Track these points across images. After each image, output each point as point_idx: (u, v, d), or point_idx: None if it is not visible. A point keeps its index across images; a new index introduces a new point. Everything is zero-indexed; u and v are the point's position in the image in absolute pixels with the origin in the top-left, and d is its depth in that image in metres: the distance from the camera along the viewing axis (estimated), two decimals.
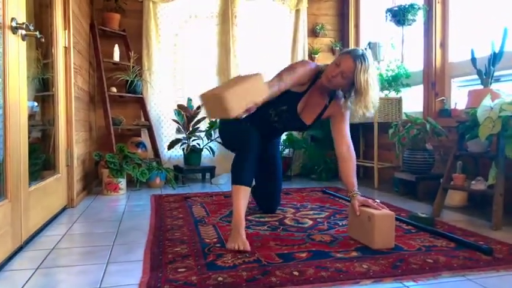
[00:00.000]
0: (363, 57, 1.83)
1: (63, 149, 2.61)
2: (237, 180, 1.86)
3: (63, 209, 2.59)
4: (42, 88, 2.59)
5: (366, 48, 3.89)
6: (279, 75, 1.91)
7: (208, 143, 3.84)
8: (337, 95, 2.08)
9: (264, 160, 2.31)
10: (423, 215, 2.17)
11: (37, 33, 1.86)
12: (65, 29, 2.64)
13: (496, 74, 2.46)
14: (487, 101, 2.08)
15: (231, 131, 2.14)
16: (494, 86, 2.44)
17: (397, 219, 2.16)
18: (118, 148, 3.32)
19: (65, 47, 2.66)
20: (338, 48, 4.37)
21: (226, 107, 1.51)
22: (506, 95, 2.17)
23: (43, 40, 1.99)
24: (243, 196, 1.83)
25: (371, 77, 1.82)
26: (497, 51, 2.35)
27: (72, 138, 2.71)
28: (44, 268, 1.56)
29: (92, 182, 3.50)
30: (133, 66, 3.71)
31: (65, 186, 2.64)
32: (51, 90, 2.59)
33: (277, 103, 2.01)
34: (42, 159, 2.53)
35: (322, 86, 2.00)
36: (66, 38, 2.65)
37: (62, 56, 2.62)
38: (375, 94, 1.85)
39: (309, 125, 2.15)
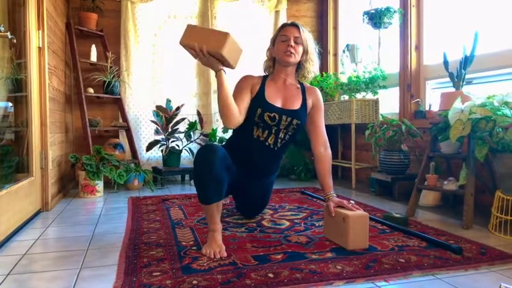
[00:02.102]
0: (295, 22, 2.05)
1: (37, 151, 2.56)
2: (205, 200, 1.73)
3: (37, 213, 2.54)
4: (16, 89, 2.53)
5: (344, 51, 3.96)
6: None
7: (187, 144, 3.83)
8: (304, 83, 2.13)
9: (251, 199, 2.26)
10: (397, 215, 2.22)
11: (8, 33, 1.82)
12: (38, 29, 2.59)
13: (468, 76, 2.53)
14: (457, 104, 2.13)
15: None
16: (466, 89, 2.51)
17: (371, 219, 2.20)
18: (95, 150, 3.27)
19: (39, 47, 2.60)
20: (317, 50, 4.40)
21: (223, 43, 1.72)
22: (477, 97, 2.24)
23: (15, 41, 1.95)
24: (216, 209, 1.77)
25: (308, 34, 2.05)
26: (468, 54, 2.42)
27: (46, 140, 2.66)
28: (15, 274, 1.53)
29: (68, 185, 3.44)
30: (111, 67, 3.67)
31: (39, 189, 2.58)
32: (25, 91, 2.53)
33: (252, 117, 1.98)
34: (15, 161, 2.47)
35: (282, 74, 2.06)
36: (40, 38, 2.60)
37: (36, 56, 2.57)
38: (314, 50, 2.08)
39: (300, 112, 2.02)
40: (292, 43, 1.97)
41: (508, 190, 2.01)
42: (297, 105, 2.03)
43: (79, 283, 1.43)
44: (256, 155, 2.04)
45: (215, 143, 1.88)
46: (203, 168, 1.72)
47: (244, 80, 2.06)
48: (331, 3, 4.40)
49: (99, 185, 3.19)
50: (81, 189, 3.14)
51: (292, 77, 2.09)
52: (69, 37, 3.56)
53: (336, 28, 4.40)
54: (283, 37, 2.00)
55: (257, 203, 2.31)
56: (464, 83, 2.48)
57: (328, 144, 2.05)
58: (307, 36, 2.02)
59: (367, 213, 1.81)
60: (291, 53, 1.97)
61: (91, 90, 3.63)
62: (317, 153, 2.03)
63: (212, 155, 1.72)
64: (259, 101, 2.00)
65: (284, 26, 2.05)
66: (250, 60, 4.17)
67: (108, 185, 3.37)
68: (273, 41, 2.07)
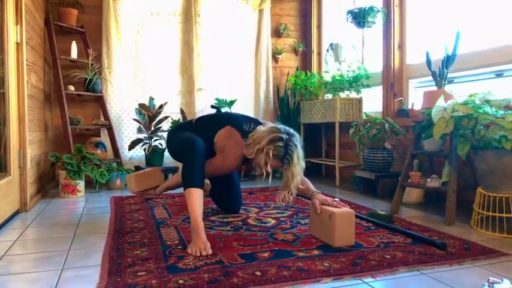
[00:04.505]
0: (289, 157, 1.81)
1: (15, 150, 2.48)
2: (187, 184, 1.84)
3: (16, 213, 2.46)
4: None
5: (327, 50, 3.97)
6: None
7: None
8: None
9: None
10: (382, 212, 2.23)
11: None
12: (16, 24, 2.51)
13: (449, 75, 2.57)
14: (440, 102, 2.16)
15: (176, 141, 2.14)
16: (447, 87, 2.55)
17: (357, 216, 2.21)
18: (76, 148, 3.20)
19: (17, 43, 2.52)
20: (301, 49, 4.43)
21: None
22: (459, 96, 2.27)
23: None
24: (197, 197, 1.80)
25: (296, 168, 1.83)
26: (450, 53, 2.46)
27: (25, 139, 2.58)
28: None
29: (48, 185, 3.35)
30: (92, 64, 3.60)
31: (17, 189, 2.50)
32: (2, 88, 2.45)
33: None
34: None
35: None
36: (18, 33, 2.52)
37: (14, 52, 2.49)
38: (298, 178, 1.86)
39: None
40: (267, 167, 1.86)
41: (489, 187, 2.05)
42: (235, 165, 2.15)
43: (61, 284, 1.39)
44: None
45: (195, 137, 2.00)
46: (195, 153, 1.91)
47: (237, 159, 2.08)
48: (314, 2, 4.41)
49: (81, 184, 3.12)
50: (62, 189, 3.07)
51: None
52: (48, 33, 3.46)
53: (319, 27, 4.42)
54: (266, 160, 1.83)
55: (226, 179, 2.38)
56: (446, 81, 2.52)
57: None
58: (293, 172, 1.82)
59: (353, 211, 1.82)
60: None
61: (71, 87, 3.55)
62: None
63: (198, 154, 1.90)
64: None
65: (278, 157, 1.82)
66: (233, 58, 4.18)
67: (90, 185, 3.30)
68: (261, 149, 1.83)
